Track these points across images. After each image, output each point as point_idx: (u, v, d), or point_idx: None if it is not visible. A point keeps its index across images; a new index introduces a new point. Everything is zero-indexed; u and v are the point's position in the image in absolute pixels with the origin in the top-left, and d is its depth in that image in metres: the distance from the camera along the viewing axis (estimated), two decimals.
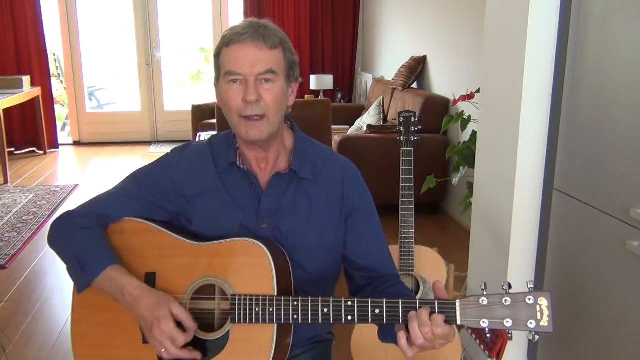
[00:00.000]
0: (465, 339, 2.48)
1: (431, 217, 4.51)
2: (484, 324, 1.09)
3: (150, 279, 1.31)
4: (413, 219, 2.08)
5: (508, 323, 1.07)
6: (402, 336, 1.13)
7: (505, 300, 1.08)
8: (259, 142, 1.31)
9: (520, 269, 2.21)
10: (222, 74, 1.29)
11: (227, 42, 1.27)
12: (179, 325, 1.22)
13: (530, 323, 1.07)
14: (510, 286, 1.09)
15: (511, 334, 1.09)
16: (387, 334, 1.29)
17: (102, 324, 1.34)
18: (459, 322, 1.10)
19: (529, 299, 1.07)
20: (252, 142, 1.31)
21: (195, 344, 1.26)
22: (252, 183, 1.36)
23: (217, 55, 1.30)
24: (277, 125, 1.31)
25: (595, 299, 1.88)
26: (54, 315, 3.04)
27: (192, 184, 1.38)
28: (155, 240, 1.34)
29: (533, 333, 1.08)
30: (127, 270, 1.29)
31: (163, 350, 1.21)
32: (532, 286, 1.10)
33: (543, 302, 1.07)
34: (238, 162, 1.37)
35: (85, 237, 1.32)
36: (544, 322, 1.07)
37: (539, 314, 1.07)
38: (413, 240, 2.09)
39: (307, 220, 1.35)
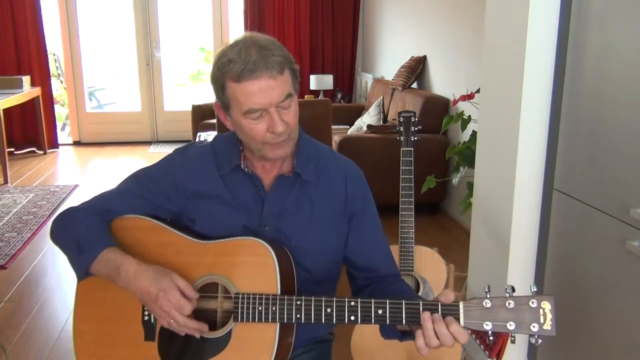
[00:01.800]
0: None
1: (431, 217, 4.51)
2: (487, 326, 1.09)
3: None
4: (413, 219, 2.08)
5: (511, 326, 1.07)
6: (419, 335, 1.13)
7: (509, 304, 1.08)
8: (283, 158, 1.32)
9: (520, 269, 2.21)
10: (240, 112, 1.24)
11: (237, 77, 1.20)
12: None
13: (534, 326, 1.07)
14: (513, 289, 1.09)
15: (514, 337, 1.09)
16: (390, 332, 1.30)
17: (104, 322, 1.34)
18: (462, 324, 1.11)
19: (532, 303, 1.07)
20: (277, 159, 1.32)
21: (198, 342, 1.26)
22: (256, 185, 1.36)
23: (222, 87, 1.25)
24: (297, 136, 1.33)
25: (595, 299, 1.89)
26: (54, 315, 3.04)
27: (193, 186, 1.38)
28: (160, 237, 1.34)
29: (536, 337, 1.08)
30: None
31: (172, 321, 1.21)
32: (535, 289, 1.10)
33: (546, 305, 1.07)
34: (242, 166, 1.37)
35: (84, 225, 1.32)
36: (547, 326, 1.07)
37: (542, 317, 1.07)
38: (413, 240, 2.09)
39: (309, 222, 1.36)
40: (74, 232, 1.32)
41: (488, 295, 1.10)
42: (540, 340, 1.08)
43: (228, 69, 1.21)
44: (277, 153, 1.29)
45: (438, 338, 1.11)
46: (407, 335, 1.24)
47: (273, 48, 1.23)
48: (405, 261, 2.10)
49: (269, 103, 1.22)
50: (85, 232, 1.31)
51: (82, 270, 1.29)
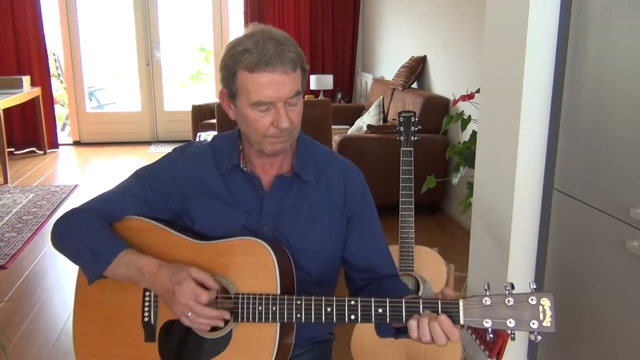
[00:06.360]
0: (465, 339, 2.48)
1: (431, 217, 4.51)
2: (487, 324, 1.09)
3: None
4: (413, 219, 2.08)
5: (511, 323, 1.08)
6: (412, 329, 1.13)
7: (508, 301, 1.08)
8: (280, 153, 1.32)
9: (520, 269, 2.22)
10: (247, 102, 1.24)
11: (251, 67, 1.20)
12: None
13: (533, 323, 1.07)
14: (512, 286, 1.09)
15: (513, 334, 1.09)
16: (386, 330, 1.30)
17: (104, 323, 1.34)
18: (461, 322, 1.11)
19: (532, 300, 1.08)
20: (275, 154, 1.31)
21: (198, 342, 1.26)
22: (255, 185, 1.36)
23: (233, 75, 1.24)
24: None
25: (595, 299, 1.89)
26: (54, 315, 3.04)
27: (193, 184, 1.38)
28: (160, 238, 1.34)
29: (535, 333, 1.08)
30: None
31: (190, 313, 1.20)
32: (534, 286, 1.10)
33: (546, 302, 1.07)
34: (241, 165, 1.37)
35: (92, 228, 1.32)
36: (547, 323, 1.07)
37: (541, 314, 1.07)
38: (413, 240, 2.10)
39: (308, 223, 1.36)
40: (82, 236, 1.31)
41: (487, 293, 1.10)
42: (540, 337, 1.08)
43: (243, 57, 1.22)
44: (276, 147, 1.29)
45: (431, 334, 1.11)
46: (402, 332, 1.24)
47: (289, 44, 1.24)
48: (405, 261, 2.10)
49: (278, 98, 1.23)
50: (96, 235, 1.30)
51: (96, 274, 1.29)
